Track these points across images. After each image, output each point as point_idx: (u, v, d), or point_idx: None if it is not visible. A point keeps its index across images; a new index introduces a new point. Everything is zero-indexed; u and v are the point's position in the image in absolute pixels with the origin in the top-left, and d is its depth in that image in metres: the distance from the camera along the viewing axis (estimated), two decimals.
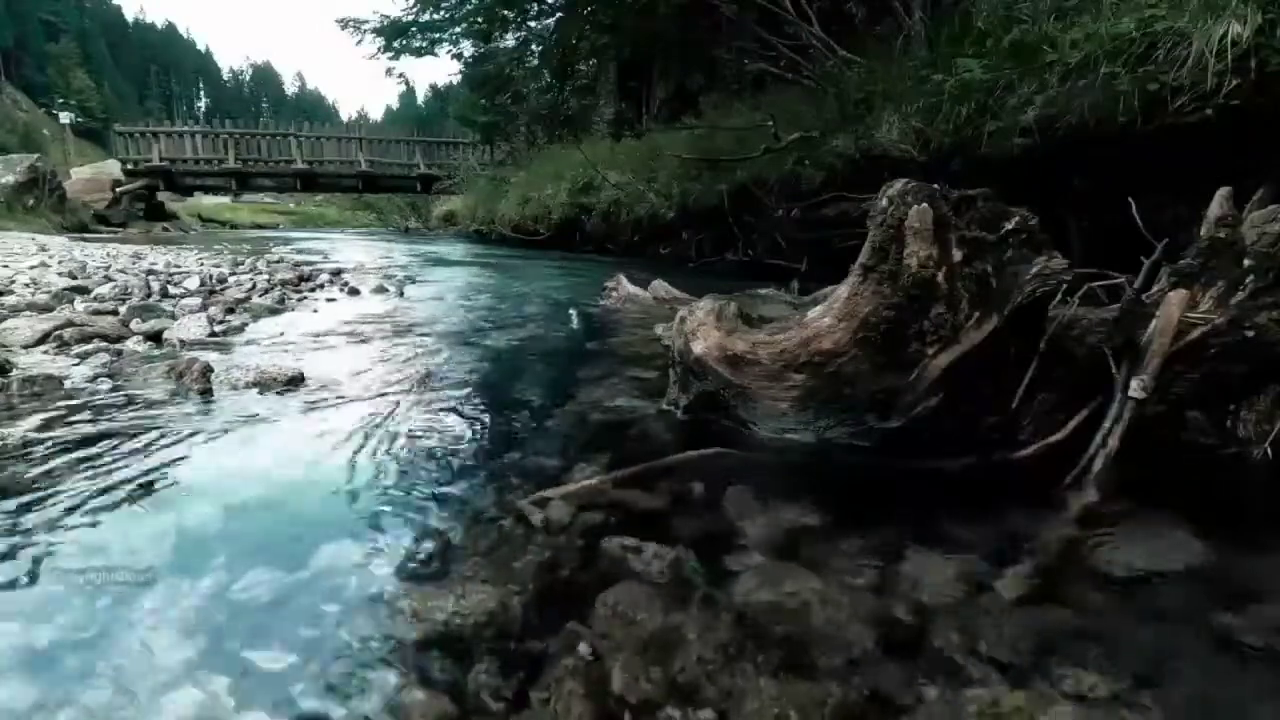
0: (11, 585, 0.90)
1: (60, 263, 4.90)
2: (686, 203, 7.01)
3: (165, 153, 18.10)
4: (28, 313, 2.71)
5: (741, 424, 1.54)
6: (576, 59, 13.69)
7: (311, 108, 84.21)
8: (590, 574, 0.97)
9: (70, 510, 1.11)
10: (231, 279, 4.47)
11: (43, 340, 2.33)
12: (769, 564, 1.00)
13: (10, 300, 2.95)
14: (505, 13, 13.90)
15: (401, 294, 4.41)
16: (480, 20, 14.76)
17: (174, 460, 1.34)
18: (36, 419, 1.54)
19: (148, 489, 1.21)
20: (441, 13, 14.71)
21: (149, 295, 3.37)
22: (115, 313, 2.85)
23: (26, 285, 3.48)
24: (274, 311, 3.40)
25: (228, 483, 1.26)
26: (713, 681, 0.75)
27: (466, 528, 1.11)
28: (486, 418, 1.74)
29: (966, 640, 0.83)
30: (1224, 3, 2.78)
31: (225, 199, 27.36)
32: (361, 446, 1.45)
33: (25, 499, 1.14)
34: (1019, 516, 1.17)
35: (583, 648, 0.80)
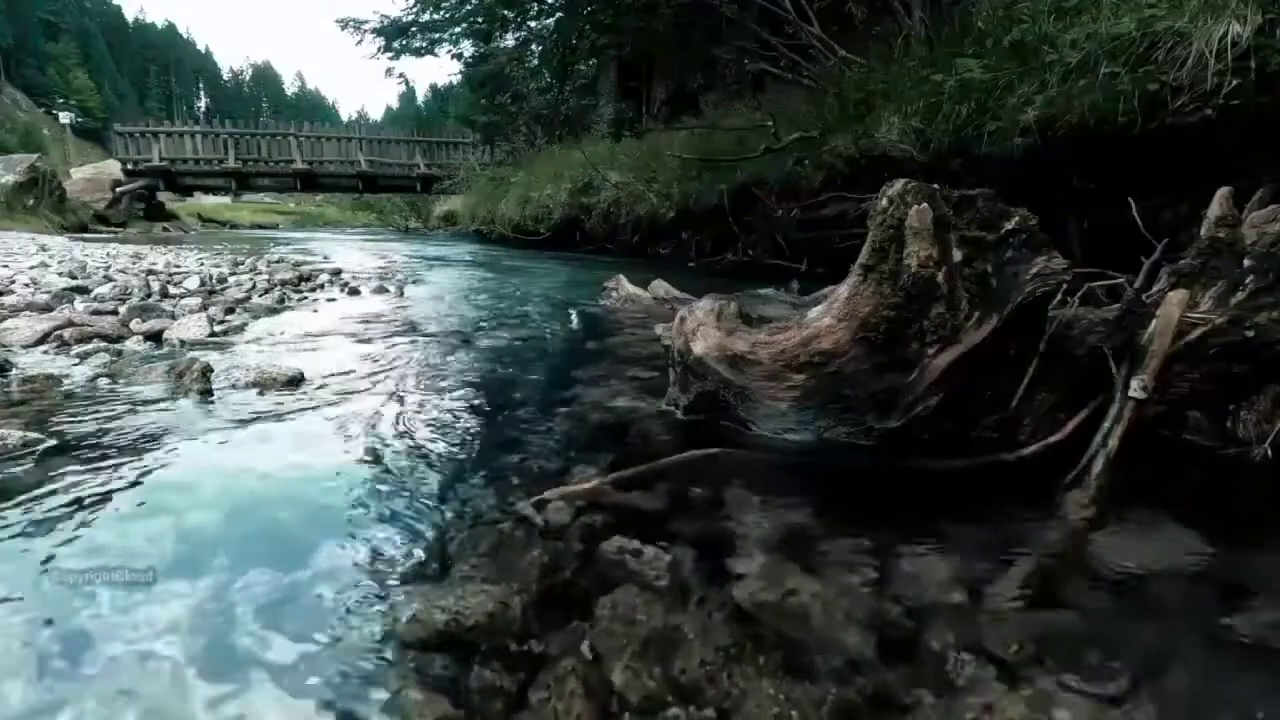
0: (11, 585, 0.89)
1: (60, 263, 4.90)
2: (686, 203, 7.01)
3: (165, 153, 18.13)
4: (28, 313, 2.71)
5: (741, 424, 1.54)
6: (576, 59, 13.68)
7: (311, 108, 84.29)
8: (590, 575, 0.97)
9: (70, 510, 1.10)
10: (231, 279, 4.47)
11: (43, 340, 2.33)
12: (769, 564, 1.00)
13: (10, 300, 2.95)
14: (505, 13, 13.90)
15: (401, 294, 4.41)
16: (480, 20, 14.78)
17: (174, 460, 1.34)
18: (36, 418, 1.54)
19: (147, 489, 1.21)
20: (441, 13, 14.73)
21: (149, 295, 3.37)
22: (115, 313, 2.85)
23: (26, 285, 3.48)
24: (274, 311, 3.39)
25: (227, 482, 1.25)
26: (713, 682, 0.75)
27: (466, 528, 1.11)
28: (486, 418, 1.74)
29: (966, 641, 0.83)
30: (1224, 3, 2.78)
31: (225, 199, 27.41)
32: (361, 446, 1.45)
33: (25, 499, 1.14)
34: (1019, 516, 1.17)
35: (583, 648, 0.80)
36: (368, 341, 2.67)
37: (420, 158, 20.22)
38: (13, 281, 3.53)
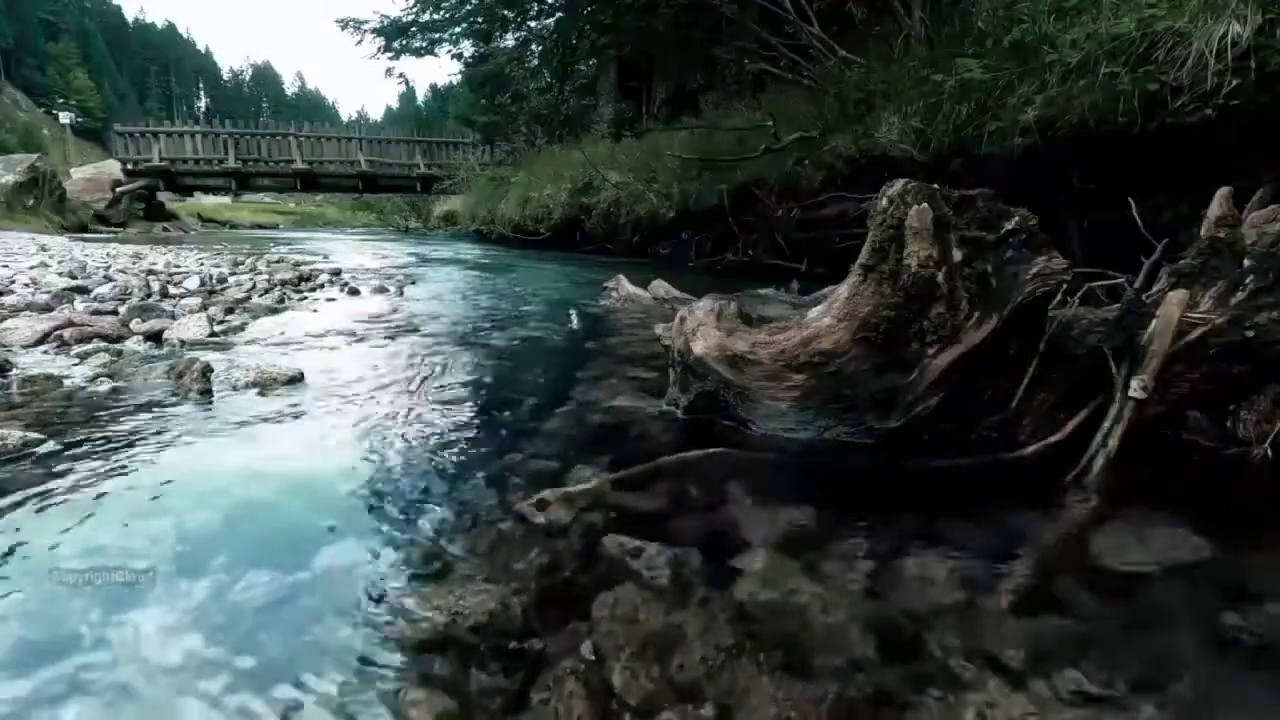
0: (12, 585, 0.90)
1: (60, 263, 4.90)
2: (686, 203, 7.01)
3: (165, 153, 18.12)
4: (28, 312, 2.71)
5: (741, 424, 1.54)
6: (576, 59, 13.68)
7: (311, 108, 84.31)
8: (590, 574, 0.97)
9: (69, 510, 1.11)
10: (231, 279, 4.47)
11: (43, 340, 2.33)
12: (769, 564, 1.00)
13: (10, 300, 2.95)
14: (505, 13, 13.90)
15: (401, 294, 4.41)
16: (480, 20, 14.78)
17: (174, 460, 1.34)
18: (37, 419, 1.54)
19: (147, 489, 1.21)
20: (441, 13, 14.72)
21: (149, 295, 3.37)
22: (115, 313, 2.85)
23: (26, 285, 3.48)
24: (274, 311, 3.39)
25: (227, 483, 1.25)
26: (713, 681, 0.75)
27: (467, 528, 1.11)
28: (486, 418, 1.74)
29: (966, 641, 0.83)
30: (1224, 3, 2.78)
31: (225, 199, 27.39)
32: (361, 447, 1.45)
33: (25, 499, 1.14)
34: (1019, 516, 1.17)
35: (583, 648, 0.80)
36: (367, 342, 2.67)
37: (420, 158, 20.20)
38: (13, 281, 3.53)
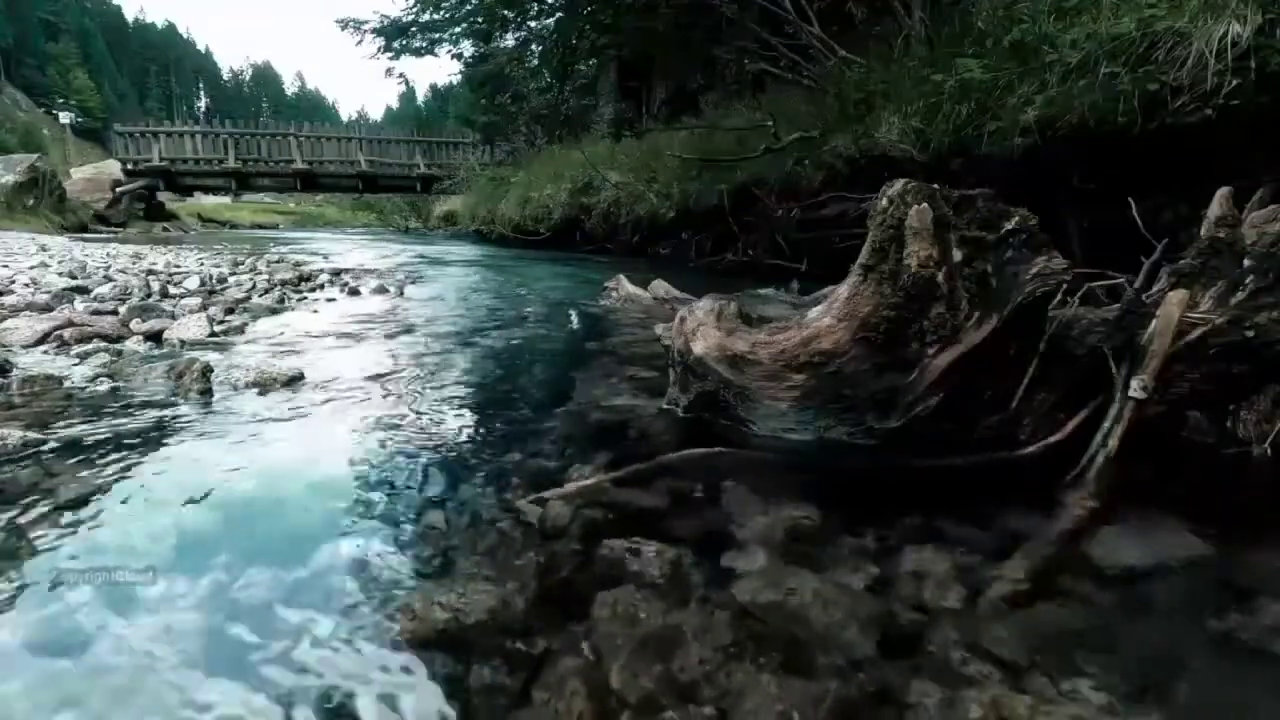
0: (12, 585, 0.90)
1: (60, 263, 4.90)
2: (686, 203, 7.01)
3: (165, 153, 18.11)
4: (28, 312, 2.71)
5: (741, 424, 1.54)
6: (576, 59, 13.68)
7: (311, 108, 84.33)
8: (590, 573, 0.97)
9: (70, 510, 1.11)
10: (231, 279, 4.47)
11: (43, 340, 2.33)
12: (769, 563, 1.00)
13: (10, 300, 2.95)
14: (505, 13, 13.90)
15: (401, 294, 4.41)
16: (480, 20, 14.78)
17: (174, 460, 1.34)
18: (37, 419, 1.54)
19: (147, 489, 1.21)
20: (441, 13, 14.73)
21: (149, 295, 3.37)
22: (115, 313, 2.85)
23: (27, 285, 3.48)
24: (274, 311, 3.39)
25: (227, 483, 1.25)
26: (712, 681, 0.75)
27: (466, 528, 1.11)
28: (486, 417, 1.74)
29: (966, 640, 0.83)
30: (1224, 3, 2.78)
31: (225, 199, 27.39)
32: (361, 446, 1.45)
33: (25, 499, 1.14)
34: (1019, 516, 1.17)
35: (583, 647, 0.80)
36: (368, 342, 2.67)
37: (420, 158, 20.20)
38: (13, 281, 3.53)
